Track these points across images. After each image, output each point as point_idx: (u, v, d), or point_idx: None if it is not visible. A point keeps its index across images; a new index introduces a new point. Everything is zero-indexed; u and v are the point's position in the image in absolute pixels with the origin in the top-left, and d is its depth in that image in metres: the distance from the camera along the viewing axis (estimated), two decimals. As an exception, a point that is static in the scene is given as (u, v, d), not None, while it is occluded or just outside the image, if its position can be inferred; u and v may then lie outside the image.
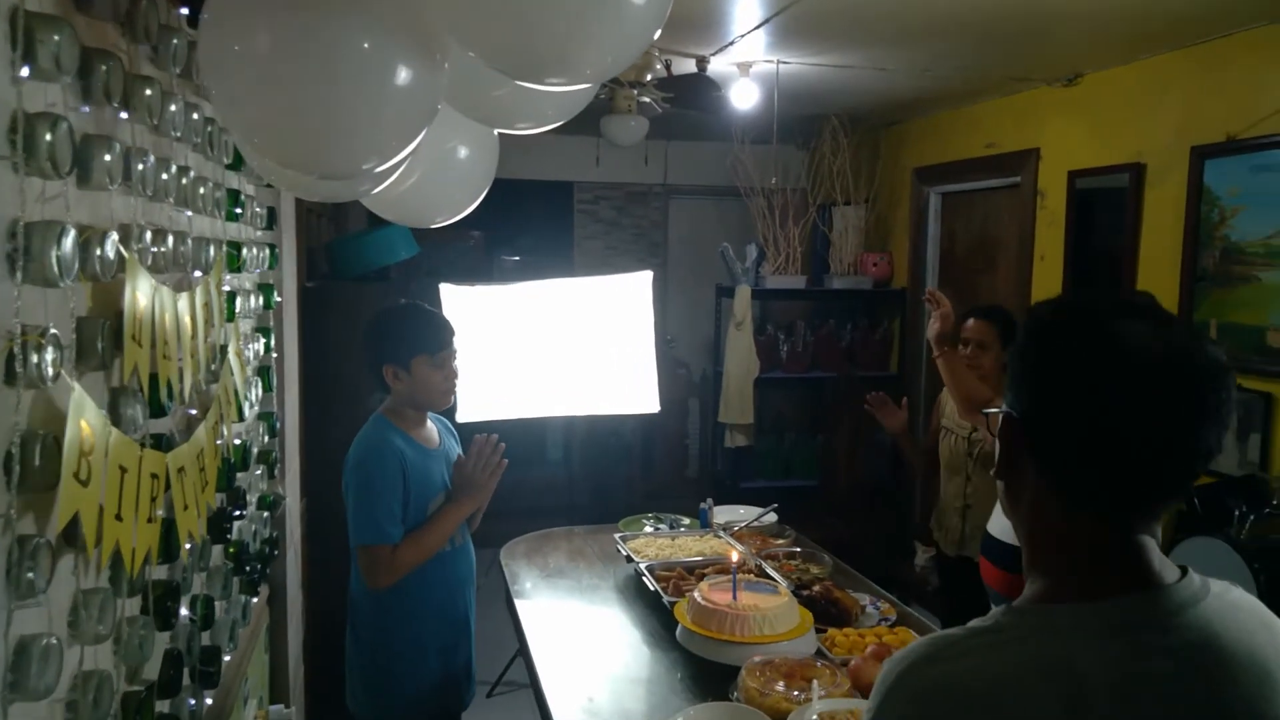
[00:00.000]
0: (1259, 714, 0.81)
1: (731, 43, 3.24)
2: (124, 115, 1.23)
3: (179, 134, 1.44)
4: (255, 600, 2.16)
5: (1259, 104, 2.92)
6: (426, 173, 1.70)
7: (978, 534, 2.87)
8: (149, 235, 1.33)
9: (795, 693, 1.77)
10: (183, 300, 1.46)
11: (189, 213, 1.54)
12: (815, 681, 1.76)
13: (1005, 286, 4.26)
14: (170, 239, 1.42)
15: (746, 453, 5.00)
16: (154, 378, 1.33)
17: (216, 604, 1.75)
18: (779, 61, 3.52)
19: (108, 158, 1.11)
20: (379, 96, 1.14)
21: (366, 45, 1.11)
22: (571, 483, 5.55)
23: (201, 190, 1.62)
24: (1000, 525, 2.37)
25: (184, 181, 1.50)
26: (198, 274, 1.61)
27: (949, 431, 3.07)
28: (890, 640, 2.15)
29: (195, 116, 1.55)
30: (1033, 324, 0.92)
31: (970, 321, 2.92)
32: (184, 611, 1.53)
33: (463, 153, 1.72)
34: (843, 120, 4.86)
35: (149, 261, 1.33)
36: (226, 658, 1.80)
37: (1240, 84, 3.00)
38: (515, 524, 3.34)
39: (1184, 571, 0.88)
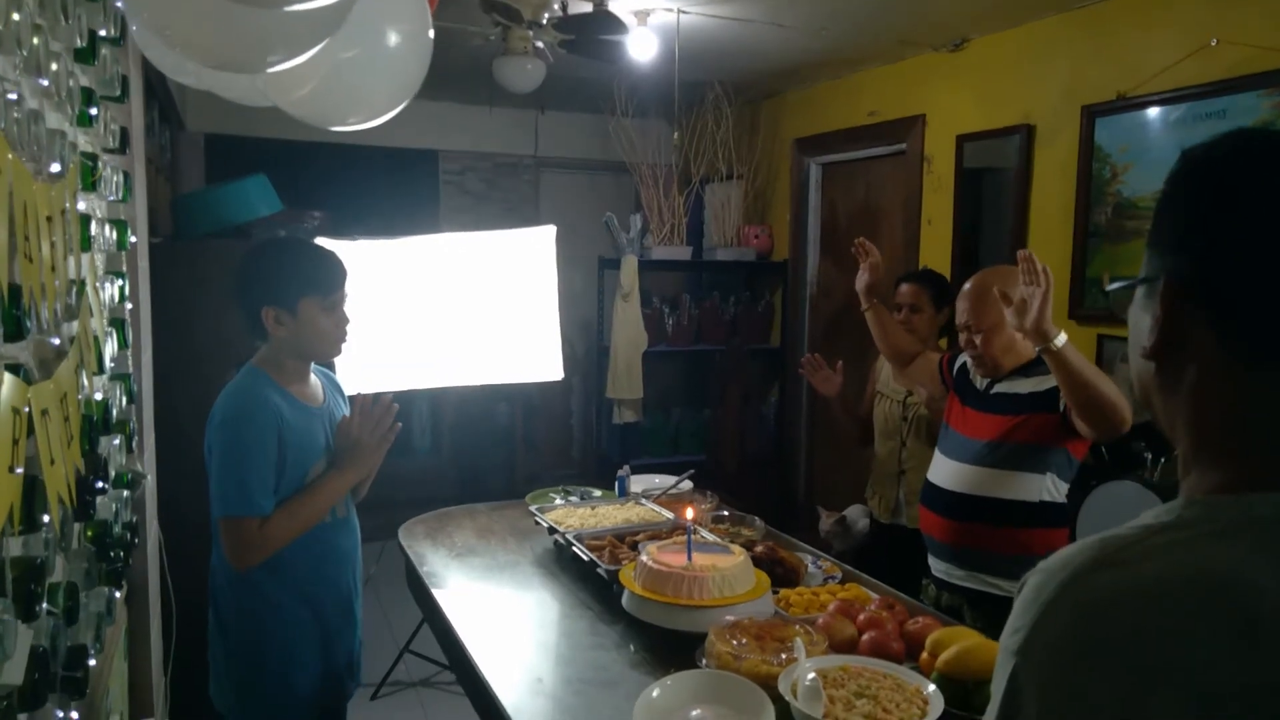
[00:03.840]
0: None
1: (635, -17, 3.05)
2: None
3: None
4: (119, 595, 1.78)
5: (1146, 63, 3.01)
6: (346, 59, 1.42)
7: (913, 499, 2.82)
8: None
9: (780, 655, 1.60)
10: (40, 196, 1.12)
11: (44, 81, 1.20)
12: (799, 640, 1.60)
13: (892, 253, 4.27)
14: (23, 105, 1.08)
15: (634, 429, 4.84)
16: (14, 288, 0.99)
17: (81, 594, 1.40)
18: (679, 10, 3.36)
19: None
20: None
21: None
22: (446, 468, 5.20)
23: (55, 66, 1.27)
24: (941, 473, 2.29)
25: (36, 41, 1.16)
26: (55, 167, 1.26)
27: (884, 397, 3.04)
28: (846, 596, 2.03)
29: (49, -41, 1.20)
30: (1193, 165, 0.77)
31: (903, 286, 2.98)
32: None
33: (393, 39, 1.44)
34: (726, 89, 4.76)
35: (0, 125, 1.00)
36: (92, 662, 1.44)
37: (1127, 45, 3.09)
38: (391, 514, 3.02)
39: None
